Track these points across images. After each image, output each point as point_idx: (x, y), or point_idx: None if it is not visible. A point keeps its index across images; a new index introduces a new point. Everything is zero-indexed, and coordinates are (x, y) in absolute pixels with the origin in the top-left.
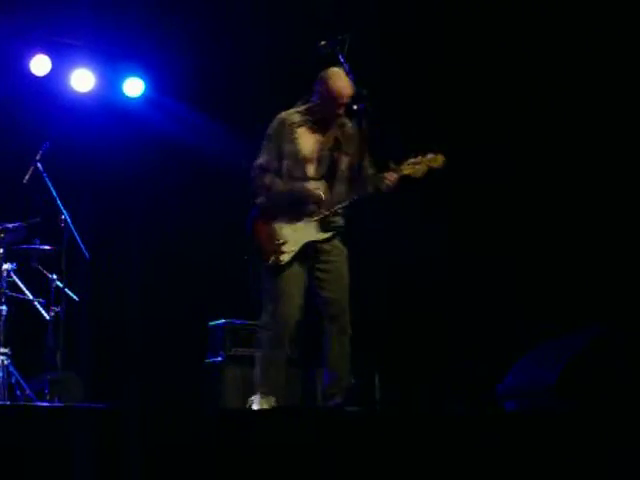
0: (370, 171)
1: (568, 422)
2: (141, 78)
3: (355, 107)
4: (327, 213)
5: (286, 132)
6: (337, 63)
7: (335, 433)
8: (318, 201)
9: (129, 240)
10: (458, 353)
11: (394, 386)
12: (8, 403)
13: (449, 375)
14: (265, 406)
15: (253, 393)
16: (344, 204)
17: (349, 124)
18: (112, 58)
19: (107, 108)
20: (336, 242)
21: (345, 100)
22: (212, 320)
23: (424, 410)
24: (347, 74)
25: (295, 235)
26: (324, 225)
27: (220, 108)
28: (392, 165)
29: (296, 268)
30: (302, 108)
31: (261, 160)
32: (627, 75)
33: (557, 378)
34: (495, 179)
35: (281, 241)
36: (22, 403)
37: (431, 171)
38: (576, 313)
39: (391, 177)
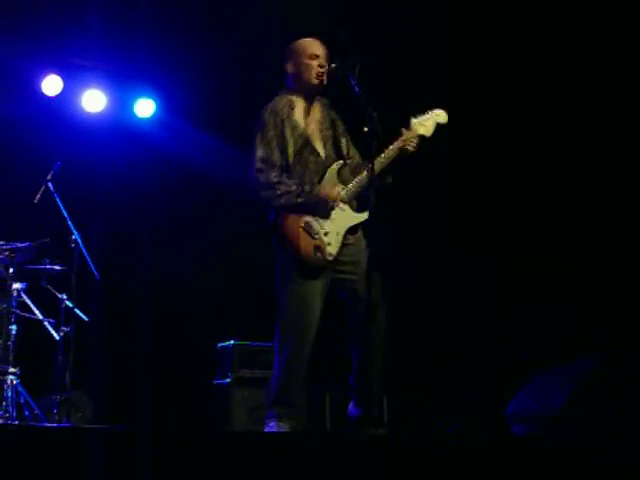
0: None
1: (577, 447)
2: (152, 99)
3: (365, 129)
4: (354, 191)
5: (282, 117)
6: (348, 86)
7: (350, 458)
8: (328, 207)
9: (139, 261)
10: (466, 375)
11: (402, 409)
12: (17, 423)
13: (457, 398)
14: (285, 429)
15: (261, 415)
16: (364, 184)
17: (333, 111)
18: (123, 79)
19: (118, 129)
20: (359, 242)
21: (316, 51)
22: (221, 341)
23: (432, 433)
24: (359, 99)
25: (334, 223)
26: (355, 206)
27: (231, 129)
28: (404, 130)
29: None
30: (284, 94)
31: (261, 153)
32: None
33: (565, 402)
34: (499, 201)
35: (322, 231)
36: (31, 423)
37: (438, 127)
38: (586, 337)
39: (411, 138)
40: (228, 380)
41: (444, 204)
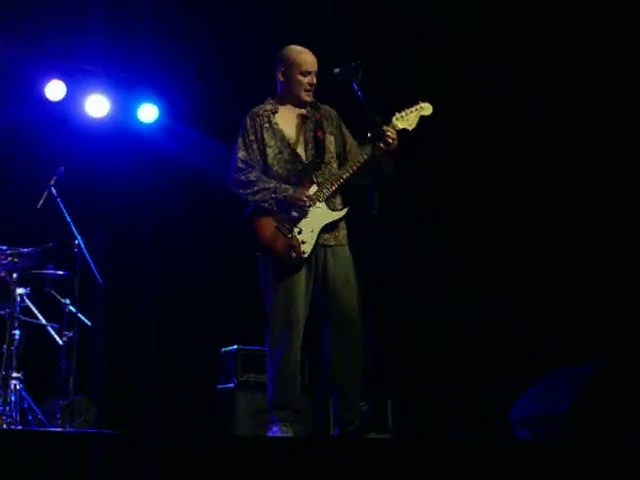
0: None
1: (578, 452)
2: (155, 104)
3: (369, 135)
4: (330, 189)
5: (262, 122)
6: (351, 90)
7: (354, 463)
8: (302, 211)
9: (142, 265)
10: (470, 380)
11: (407, 413)
12: (20, 427)
13: (461, 402)
14: (288, 433)
15: (265, 420)
16: (344, 177)
17: (324, 106)
18: (126, 84)
19: (121, 134)
20: (341, 242)
21: (309, 68)
22: (224, 346)
23: (437, 438)
24: (362, 104)
25: (308, 221)
26: (333, 204)
27: (235, 135)
28: (384, 126)
29: (306, 267)
30: (270, 99)
31: (242, 155)
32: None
33: (568, 407)
34: (501, 207)
35: (296, 230)
36: (34, 428)
37: (422, 119)
38: (589, 342)
39: (390, 132)
40: (232, 385)
41: (444, 208)
